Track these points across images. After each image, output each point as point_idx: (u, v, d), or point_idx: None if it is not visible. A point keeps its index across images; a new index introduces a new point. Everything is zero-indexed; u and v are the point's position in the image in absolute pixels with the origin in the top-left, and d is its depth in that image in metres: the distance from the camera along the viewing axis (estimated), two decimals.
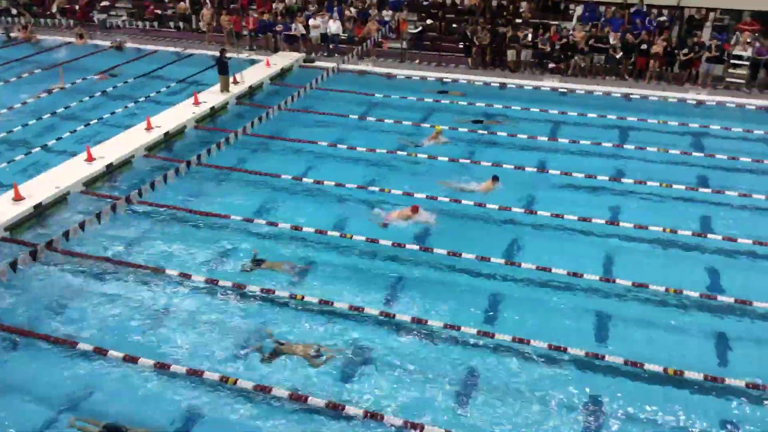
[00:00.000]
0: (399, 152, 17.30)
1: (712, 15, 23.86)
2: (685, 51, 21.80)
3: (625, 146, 17.79)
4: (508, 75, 23.03)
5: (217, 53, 20.69)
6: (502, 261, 12.75)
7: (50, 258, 12.83)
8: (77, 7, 29.22)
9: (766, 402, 9.68)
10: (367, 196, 15.18)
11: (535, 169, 16.38)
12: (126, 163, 16.63)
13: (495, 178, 15.23)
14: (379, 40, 24.74)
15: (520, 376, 10.13)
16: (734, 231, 13.74)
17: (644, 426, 9.32)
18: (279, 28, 25.20)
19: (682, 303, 11.70)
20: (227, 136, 17.36)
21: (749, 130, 18.69)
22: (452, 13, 26.25)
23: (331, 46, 25.20)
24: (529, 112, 19.93)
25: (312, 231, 13.71)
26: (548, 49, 22.95)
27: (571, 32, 23.06)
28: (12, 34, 27.28)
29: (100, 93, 21.27)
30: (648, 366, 10.13)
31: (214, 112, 19.81)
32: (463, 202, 14.82)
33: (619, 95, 21.29)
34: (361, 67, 23.81)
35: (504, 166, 16.31)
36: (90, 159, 16.07)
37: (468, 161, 16.84)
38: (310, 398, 9.57)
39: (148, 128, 17.89)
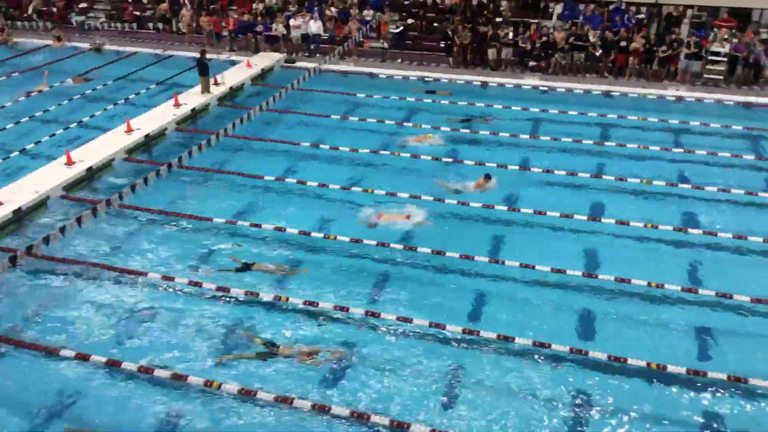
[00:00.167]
0: (382, 152, 17.30)
1: (689, 12, 24.13)
2: (664, 48, 22.02)
3: (605, 143, 17.93)
4: (490, 74, 23.12)
5: (198, 54, 20.58)
6: (486, 259, 12.79)
7: (31, 263, 12.67)
8: (54, 9, 28.84)
9: (747, 394, 9.79)
10: (350, 197, 15.16)
11: (518, 167, 16.45)
12: (106, 166, 16.47)
13: (487, 177, 15.29)
14: (361, 39, 24.72)
15: (506, 374, 10.16)
16: (714, 225, 13.90)
17: (628, 420, 9.40)
18: (259, 28, 25.10)
19: (664, 297, 11.81)
20: (209, 137, 17.26)
21: (728, 125, 18.91)
22: (433, 13, 26.31)
23: (312, 47, 25.14)
24: (511, 110, 19.99)
25: (295, 232, 13.67)
26: (529, 47, 23.06)
27: (551, 30, 23.19)
28: None
29: (79, 96, 21.05)
30: (632, 361, 10.21)
31: (195, 114, 19.69)
32: (447, 201, 14.85)
33: (599, 92, 21.45)
34: (343, 67, 23.78)
35: (487, 164, 16.38)
36: (70, 163, 15.90)
37: (451, 160, 16.87)
38: (296, 400, 9.54)
39: (128, 131, 17.73)
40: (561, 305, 11.70)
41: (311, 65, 22.80)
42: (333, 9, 26.11)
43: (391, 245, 13.15)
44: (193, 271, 12.61)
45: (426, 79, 22.75)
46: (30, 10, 28.83)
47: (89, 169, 15.96)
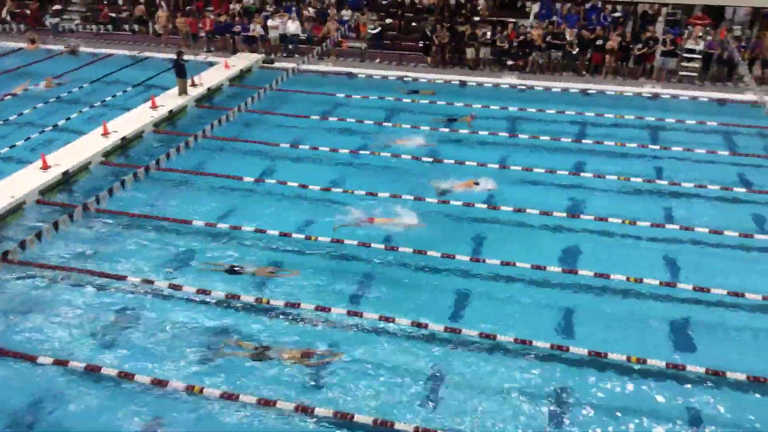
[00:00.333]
0: (362, 152, 17.29)
1: (664, 10, 24.42)
2: (640, 46, 22.27)
3: (583, 141, 18.08)
4: (468, 73, 23.22)
5: (174, 56, 20.41)
6: (467, 258, 12.83)
7: (7, 269, 12.47)
8: (28, 11, 28.45)
9: (725, 387, 9.91)
10: (331, 197, 15.13)
11: (497, 165, 16.53)
12: (83, 170, 16.27)
13: (476, 183, 15.43)
14: (339, 39, 24.69)
15: (488, 371, 10.20)
16: (691, 220, 14.07)
17: (609, 414, 9.48)
18: (237, 29, 24.98)
19: (643, 292, 11.93)
20: (187, 139, 17.13)
21: (703, 121, 19.17)
22: (411, 12, 26.35)
23: (290, 47, 25.07)
24: (490, 109, 20.10)
25: (276, 234, 13.61)
26: (507, 46, 23.20)
27: (528, 30, 23.35)
28: None
29: (54, 99, 20.78)
30: (612, 355, 10.30)
31: (172, 116, 19.53)
32: (427, 200, 14.87)
33: (576, 91, 21.63)
34: (322, 67, 23.74)
35: (467, 163, 16.45)
36: (45, 167, 15.67)
37: (431, 160, 16.91)
38: (278, 402, 9.51)
39: (105, 134, 17.53)
40: (541, 302, 11.77)
41: (290, 66, 22.73)
42: (311, 9, 26.06)
43: (373, 245, 13.14)
44: (173, 274, 12.50)
45: (405, 78, 22.78)
46: (3, 13, 28.40)
47: (65, 173, 15.75)
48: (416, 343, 10.77)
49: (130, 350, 10.66)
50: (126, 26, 27.97)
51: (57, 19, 28.16)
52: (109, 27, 28.04)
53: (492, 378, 10.09)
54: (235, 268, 12.50)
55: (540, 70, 23.09)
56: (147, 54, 25.13)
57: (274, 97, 20.88)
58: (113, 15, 28.27)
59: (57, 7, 28.64)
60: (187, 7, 27.26)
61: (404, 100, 20.98)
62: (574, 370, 10.22)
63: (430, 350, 10.63)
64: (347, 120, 19.34)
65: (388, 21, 26.08)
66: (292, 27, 24.91)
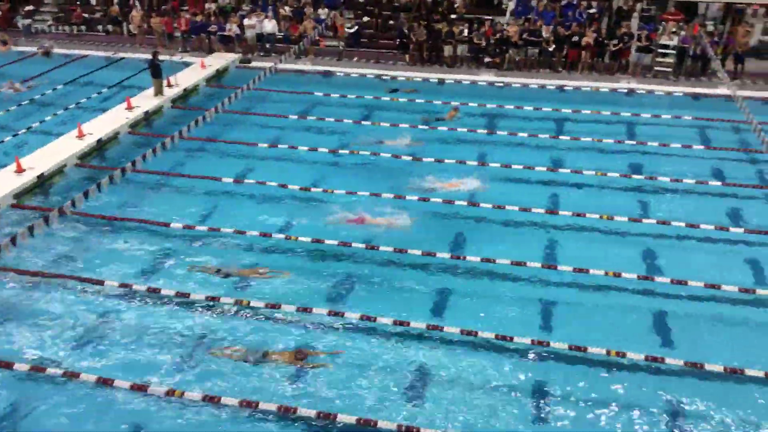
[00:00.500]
0: (341, 151, 17.25)
1: (639, 6, 24.67)
2: (615, 42, 22.47)
3: (560, 137, 18.20)
4: (446, 70, 23.26)
5: (150, 56, 20.19)
6: (448, 255, 12.86)
7: None
8: None
9: (704, 380, 10.04)
10: (310, 196, 15.09)
11: (476, 162, 16.59)
12: (58, 173, 16.05)
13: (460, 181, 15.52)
14: (316, 38, 24.60)
15: (469, 367, 10.24)
16: (667, 215, 14.22)
17: (590, 408, 9.56)
18: (213, 28, 24.79)
19: (621, 286, 12.04)
20: (163, 140, 16.97)
21: (678, 116, 19.40)
22: (388, 11, 26.33)
23: (267, 46, 24.93)
24: (468, 107, 20.17)
25: (256, 234, 13.53)
26: (484, 44, 23.28)
27: (505, 27, 23.45)
28: None
29: (27, 101, 20.47)
30: (592, 349, 10.40)
31: (148, 117, 19.33)
32: (407, 197, 14.87)
33: (553, 87, 21.77)
34: (299, 66, 23.64)
35: (446, 161, 16.49)
36: (20, 170, 15.44)
37: (410, 157, 16.91)
38: (261, 403, 9.46)
39: (80, 136, 17.30)
40: (522, 298, 11.84)
41: (267, 65, 22.60)
42: (287, 8, 25.92)
43: (353, 244, 13.12)
44: (151, 277, 12.37)
45: (383, 77, 22.75)
46: None
47: (40, 176, 15.52)
48: (399, 340, 10.77)
49: (109, 356, 10.52)
50: (100, 27, 27.62)
51: (29, 20, 27.71)
52: (83, 28, 27.66)
53: (473, 374, 10.11)
54: (222, 270, 12.41)
55: (517, 67, 23.20)
56: (122, 55, 24.84)
57: (252, 96, 20.76)
58: (86, 15, 27.90)
59: (29, 8, 28.18)
60: (162, 7, 26.97)
61: (383, 98, 20.94)
62: (555, 365, 10.30)
63: (412, 347, 10.64)
64: (326, 119, 19.27)
65: (366, 19, 26.03)
66: (269, 26, 24.78)
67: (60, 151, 16.66)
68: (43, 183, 15.57)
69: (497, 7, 26.28)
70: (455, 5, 25.55)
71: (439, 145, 17.72)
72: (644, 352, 10.35)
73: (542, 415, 9.48)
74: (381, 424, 9.08)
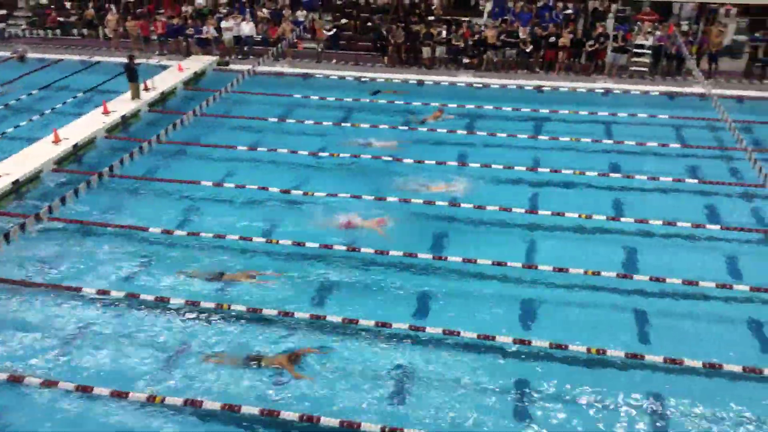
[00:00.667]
0: (321, 153, 17.22)
1: (614, 6, 24.94)
2: (591, 42, 22.68)
3: (539, 137, 18.32)
4: (425, 72, 23.33)
5: (126, 60, 20.00)
6: (429, 256, 12.88)
7: None
8: None
9: (684, 375, 10.15)
10: (291, 199, 15.04)
11: (456, 163, 16.65)
12: (34, 178, 15.83)
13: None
14: (294, 40, 24.54)
15: (452, 368, 10.27)
16: (645, 213, 14.36)
17: (572, 405, 9.63)
18: (190, 31, 24.61)
19: (600, 284, 12.15)
20: (141, 145, 16.82)
21: (654, 115, 19.62)
22: (367, 12, 26.34)
23: (245, 48, 24.82)
24: (448, 107, 20.24)
25: (236, 238, 13.45)
26: (462, 45, 23.38)
27: (482, 28, 23.58)
28: None
29: (2, 106, 20.18)
30: (572, 347, 10.47)
31: (125, 121, 19.13)
32: (388, 199, 14.88)
33: (531, 88, 21.92)
34: (277, 68, 23.56)
35: (426, 162, 16.53)
36: None
37: (390, 158, 16.92)
38: (243, 407, 9.41)
39: (56, 141, 17.08)
40: (503, 297, 11.89)
41: (245, 67, 22.50)
42: (265, 10, 25.83)
43: (334, 246, 13.09)
44: (130, 283, 12.25)
45: (362, 79, 22.75)
46: None
47: (15, 182, 15.29)
48: (381, 342, 10.78)
49: (90, 364, 10.40)
50: (75, 30, 27.31)
51: (3, 25, 27.35)
52: (58, 32, 27.32)
53: (456, 374, 10.14)
54: (212, 275, 12.34)
55: (495, 68, 23.33)
56: (97, 58, 24.56)
57: (230, 99, 20.65)
58: (61, 19, 27.57)
59: (2, 12, 27.79)
60: (138, 10, 26.73)
61: (362, 100, 20.94)
62: (536, 363, 10.35)
63: (394, 348, 10.64)
64: (305, 122, 19.23)
65: (344, 21, 26.02)
66: (247, 28, 24.67)
67: (36, 156, 16.42)
68: (18, 189, 15.34)
69: (474, 9, 26.43)
70: (432, 7, 25.65)
71: (419, 147, 17.73)
72: (624, 350, 10.45)
73: (523, 414, 9.52)
74: (364, 426, 9.07)
